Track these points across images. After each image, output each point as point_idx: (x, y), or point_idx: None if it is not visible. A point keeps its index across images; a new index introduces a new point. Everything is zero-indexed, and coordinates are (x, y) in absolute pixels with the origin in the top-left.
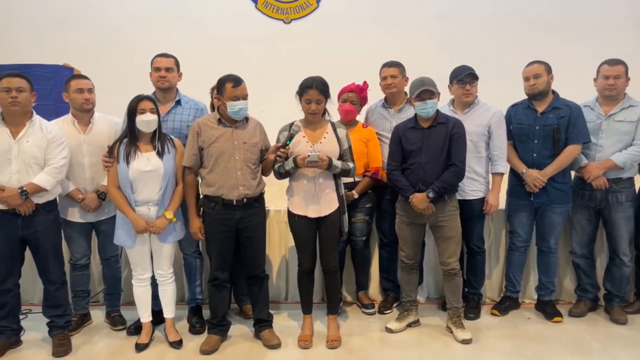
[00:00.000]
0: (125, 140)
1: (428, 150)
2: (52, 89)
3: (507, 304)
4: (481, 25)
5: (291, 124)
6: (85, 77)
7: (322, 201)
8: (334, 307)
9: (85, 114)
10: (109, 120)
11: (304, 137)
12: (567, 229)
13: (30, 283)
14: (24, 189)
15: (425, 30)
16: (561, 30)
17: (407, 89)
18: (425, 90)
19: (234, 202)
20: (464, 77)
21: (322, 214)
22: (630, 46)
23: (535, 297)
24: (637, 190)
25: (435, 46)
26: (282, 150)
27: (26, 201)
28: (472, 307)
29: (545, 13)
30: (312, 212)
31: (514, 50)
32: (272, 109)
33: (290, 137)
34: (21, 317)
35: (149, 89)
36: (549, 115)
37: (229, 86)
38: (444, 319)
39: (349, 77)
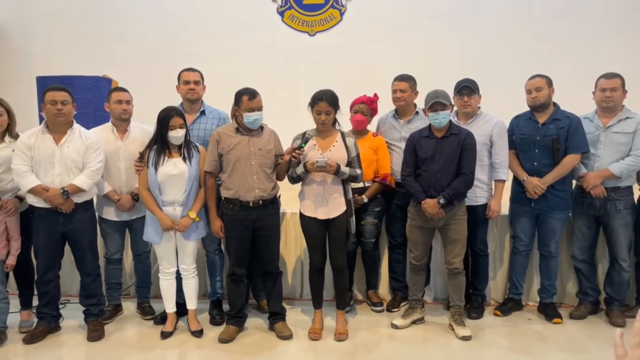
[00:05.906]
0: (155, 146)
1: (440, 158)
2: (91, 99)
3: (509, 305)
4: (497, 36)
5: (304, 133)
6: (124, 90)
7: (330, 204)
8: (343, 302)
9: (123, 122)
10: (142, 128)
11: (314, 145)
12: (569, 234)
13: (69, 277)
14: (66, 189)
15: (445, 42)
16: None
17: (417, 101)
18: (438, 102)
19: (251, 204)
20: (461, 89)
21: (331, 216)
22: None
23: (538, 299)
24: (635, 199)
25: (455, 57)
26: (297, 151)
27: (67, 200)
28: (475, 307)
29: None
30: (322, 214)
31: (531, 61)
32: (298, 117)
33: (306, 141)
34: (60, 306)
35: (179, 99)
36: (550, 126)
37: (245, 99)
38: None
39: (370, 86)
